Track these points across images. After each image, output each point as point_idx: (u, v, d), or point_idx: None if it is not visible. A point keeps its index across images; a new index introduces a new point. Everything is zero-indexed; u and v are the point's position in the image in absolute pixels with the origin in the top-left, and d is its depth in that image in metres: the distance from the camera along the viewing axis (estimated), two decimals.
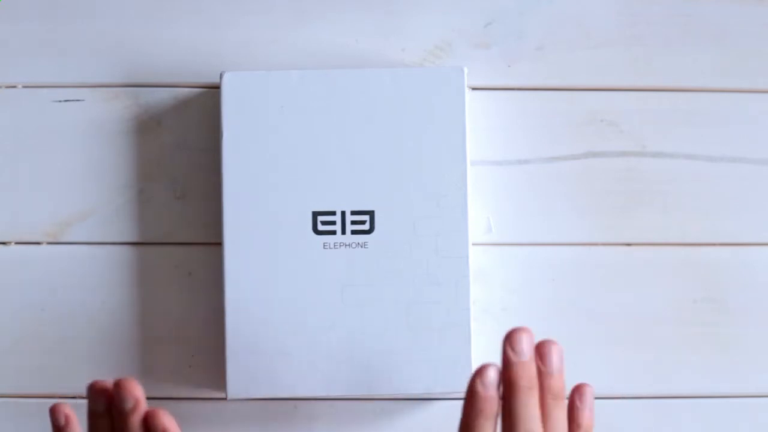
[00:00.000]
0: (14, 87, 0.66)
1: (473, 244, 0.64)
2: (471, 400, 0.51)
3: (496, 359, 0.66)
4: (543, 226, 0.66)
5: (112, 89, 0.66)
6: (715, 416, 0.66)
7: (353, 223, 0.62)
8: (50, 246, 0.66)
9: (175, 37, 0.66)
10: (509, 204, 0.66)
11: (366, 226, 0.62)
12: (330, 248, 0.62)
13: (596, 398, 0.66)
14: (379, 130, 0.62)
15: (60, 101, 0.66)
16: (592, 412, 0.53)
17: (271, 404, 0.66)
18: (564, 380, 0.52)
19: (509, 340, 0.51)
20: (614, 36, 0.67)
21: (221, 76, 0.62)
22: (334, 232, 0.62)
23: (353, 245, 0.62)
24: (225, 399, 0.62)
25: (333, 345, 0.62)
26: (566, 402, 0.52)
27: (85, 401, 0.52)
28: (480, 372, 0.51)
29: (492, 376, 0.51)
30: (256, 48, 0.66)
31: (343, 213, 0.62)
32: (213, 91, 0.66)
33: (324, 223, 0.62)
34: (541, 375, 0.51)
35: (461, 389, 0.62)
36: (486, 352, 0.65)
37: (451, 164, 0.62)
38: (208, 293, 0.65)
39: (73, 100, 0.66)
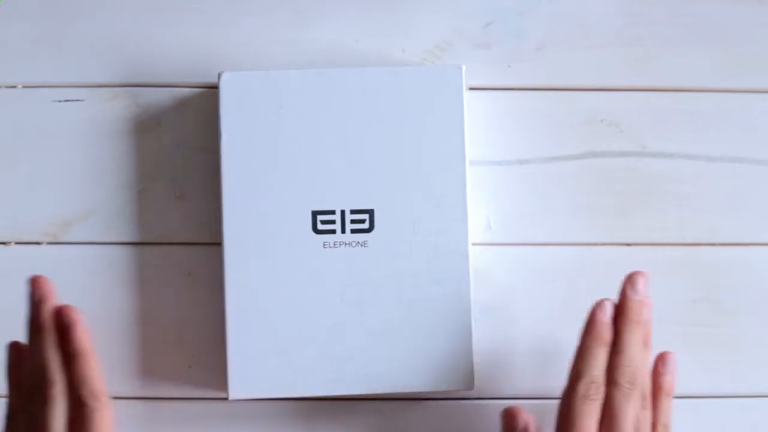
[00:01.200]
0: (14, 87, 0.66)
1: (473, 244, 0.64)
2: (591, 327, 0.59)
3: (497, 359, 0.66)
4: (543, 226, 0.66)
5: (111, 89, 0.66)
6: (715, 416, 0.66)
7: (353, 222, 0.62)
8: (50, 246, 0.66)
9: (175, 37, 0.66)
10: (509, 204, 0.66)
11: (366, 225, 0.62)
12: (330, 247, 0.62)
13: None
14: (379, 129, 0.62)
15: (60, 101, 0.66)
16: (674, 378, 0.61)
17: (271, 404, 0.66)
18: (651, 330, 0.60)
19: (630, 280, 0.60)
20: (614, 36, 0.67)
21: (219, 76, 0.62)
22: (333, 231, 0.62)
23: (353, 244, 0.62)
24: (226, 399, 0.62)
25: (333, 345, 0.62)
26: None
27: None
28: (600, 304, 0.60)
29: (609, 307, 0.59)
30: (256, 48, 0.66)
31: (342, 212, 0.62)
32: (212, 91, 0.66)
33: (324, 222, 0.62)
34: None
35: (461, 389, 0.62)
36: (486, 352, 0.65)
37: (450, 164, 0.62)
38: (208, 293, 0.65)
39: (72, 100, 0.66)
